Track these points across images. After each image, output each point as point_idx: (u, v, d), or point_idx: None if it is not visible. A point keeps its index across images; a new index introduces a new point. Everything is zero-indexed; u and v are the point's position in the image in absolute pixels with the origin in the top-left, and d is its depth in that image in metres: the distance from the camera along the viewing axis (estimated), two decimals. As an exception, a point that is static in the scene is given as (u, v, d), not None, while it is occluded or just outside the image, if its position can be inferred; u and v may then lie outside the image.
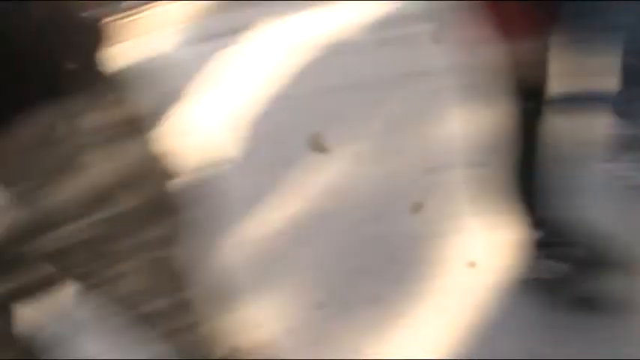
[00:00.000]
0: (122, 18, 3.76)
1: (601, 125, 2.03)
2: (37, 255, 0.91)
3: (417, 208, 2.29)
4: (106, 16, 0.97)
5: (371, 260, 2.13)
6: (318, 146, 2.60)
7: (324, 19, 3.57)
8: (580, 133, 1.72)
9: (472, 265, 2.02)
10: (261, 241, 2.31)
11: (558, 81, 1.53)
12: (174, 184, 0.98)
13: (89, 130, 0.88)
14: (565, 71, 1.49)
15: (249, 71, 3.35)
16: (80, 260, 0.94)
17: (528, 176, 1.71)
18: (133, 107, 0.93)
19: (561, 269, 1.79)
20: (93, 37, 0.94)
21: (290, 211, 2.41)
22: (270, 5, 3.82)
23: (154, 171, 0.97)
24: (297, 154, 2.66)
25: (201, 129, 2.67)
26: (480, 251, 2.06)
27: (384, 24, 3.42)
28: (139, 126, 0.95)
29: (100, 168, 0.88)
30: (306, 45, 3.40)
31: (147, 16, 4.04)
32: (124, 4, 4.02)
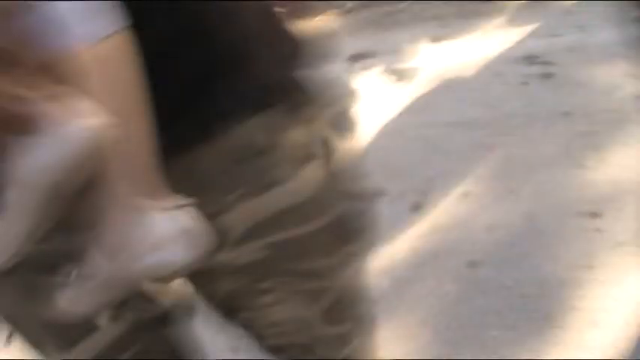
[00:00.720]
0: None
1: None
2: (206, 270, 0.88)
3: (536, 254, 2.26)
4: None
5: (495, 303, 2.11)
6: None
7: (470, 48, 3.55)
8: None
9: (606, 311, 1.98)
10: (391, 266, 2.33)
11: None
12: (354, 207, 0.95)
13: (287, 145, 0.85)
14: None
15: (391, 94, 3.35)
16: (249, 279, 0.92)
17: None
18: (327, 122, 0.90)
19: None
20: (295, 47, 0.91)
21: (407, 246, 2.41)
22: (423, 28, 3.80)
23: (339, 192, 0.93)
24: (416, 191, 2.67)
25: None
26: (618, 299, 2.02)
27: (529, 59, 3.38)
28: (331, 143, 0.91)
29: (291, 185, 0.86)
30: (449, 73, 3.38)
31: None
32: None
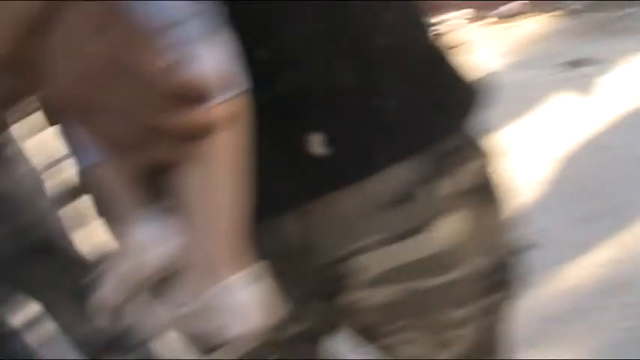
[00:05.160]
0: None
1: None
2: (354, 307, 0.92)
3: None
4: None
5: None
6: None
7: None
8: None
9: None
10: (572, 290, 2.27)
11: None
12: (498, 260, 0.92)
13: (432, 195, 0.84)
14: None
15: (604, 105, 3.21)
16: (381, 317, 0.93)
17: None
18: (473, 174, 0.87)
19: None
20: (468, 97, 0.88)
21: (593, 271, 2.32)
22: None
23: (500, 237, 0.92)
24: (603, 213, 2.55)
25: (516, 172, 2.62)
26: None
27: None
28: (493, 189, 0.90)
29: (431, 235, 0.85)
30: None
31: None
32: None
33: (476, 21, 4.20)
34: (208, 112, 0.58)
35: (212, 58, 0.60)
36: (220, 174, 0.68)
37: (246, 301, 0.72)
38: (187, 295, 0.73)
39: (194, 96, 0.57)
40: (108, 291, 0.73)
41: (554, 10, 3.99)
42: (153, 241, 0.72)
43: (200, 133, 0.59)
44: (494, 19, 4.17)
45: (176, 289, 0.74)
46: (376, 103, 0.82)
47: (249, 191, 0.72)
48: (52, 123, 1.50)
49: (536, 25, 4.01)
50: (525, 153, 2.93)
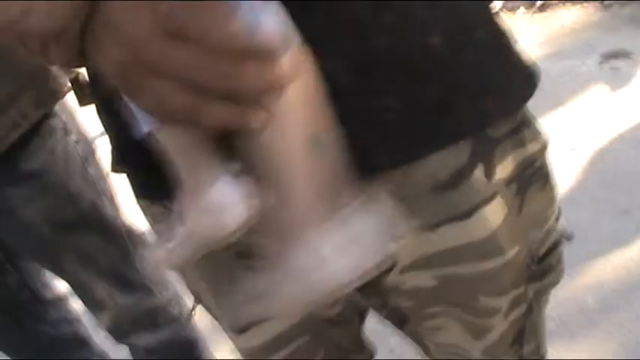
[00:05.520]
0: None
1: None
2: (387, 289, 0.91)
3: None
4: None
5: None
6: None
7: None
8: None
9: None
10: (599, 284, 2.26)
11: None
12: (535, 251, 0.91)
13: (472, 182, 0.82)
14: None
15: (617, 100, 3.18)
16: (415, 302, 0.92)
17: None
18: (516, 164, 0.85)
19: None
20: (524, 83, 0.85)
21: (622, 264, 2.30)
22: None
23: (521, 235, 0.89)
24: (636, 206, 2.52)
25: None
26: None
27: None
28: (541, 178, 0.89)
29: (469, 223, 0.84)
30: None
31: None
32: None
33: (507, 12, 4.17)
34: (278, 68, 0.57)
35: (273, 15, 0.59)
36: (295, 130, 0.65)
37: (332, 260, 0.67)
38: (269, 258, 0.69)
39: (264, 54, 0.56)
40: (172, 252, 0.72)
41: (587, 1, 3.95)
42: (229, 202, 0.69)
43: (272, 90, 0.58)
44: (525, 10, 4.13)
45: (255, 254, 0.72)
46: (424, 83, 0.79)
47: (330, 142, 0.68)
48: (82, 104, 1.51)
49: (569, 16, 3.97)
50: (558, 145, 2.91)
